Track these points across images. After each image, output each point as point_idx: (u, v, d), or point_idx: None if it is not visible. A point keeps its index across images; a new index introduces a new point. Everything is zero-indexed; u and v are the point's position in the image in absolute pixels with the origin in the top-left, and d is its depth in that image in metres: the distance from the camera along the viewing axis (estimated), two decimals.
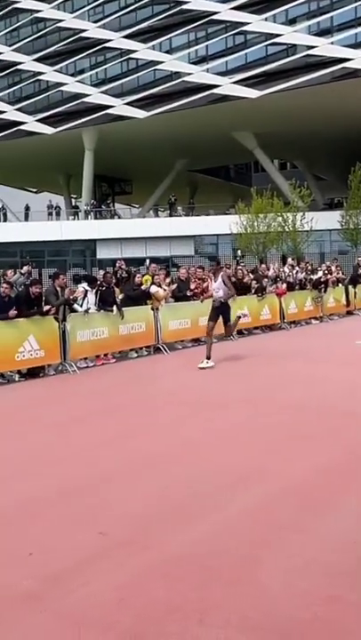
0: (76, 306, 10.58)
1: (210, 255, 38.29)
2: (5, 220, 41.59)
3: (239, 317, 11.34)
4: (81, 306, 10.65)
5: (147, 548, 3.36)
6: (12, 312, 9.23)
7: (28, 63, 40.87)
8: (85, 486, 4.43)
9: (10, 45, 41.66)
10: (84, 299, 10.73)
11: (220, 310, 9.98)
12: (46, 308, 9.86)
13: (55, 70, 40.15)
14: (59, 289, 10.34)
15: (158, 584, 2.97)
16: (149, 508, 3.94)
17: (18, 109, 41.34)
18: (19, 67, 41.25)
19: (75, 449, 5.50)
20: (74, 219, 42.73)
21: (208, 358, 9.48)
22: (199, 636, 2.55)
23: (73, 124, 38.90)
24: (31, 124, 40.64)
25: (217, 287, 10.02)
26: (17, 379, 9.69)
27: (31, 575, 3.09)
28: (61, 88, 39.93)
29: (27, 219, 42.60)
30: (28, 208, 43.31)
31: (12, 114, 41.45)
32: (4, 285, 9.80)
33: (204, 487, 4.28)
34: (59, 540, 3.51)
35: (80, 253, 40.53)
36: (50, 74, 40.32)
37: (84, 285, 11.09)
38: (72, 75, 39.89)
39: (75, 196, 49.13)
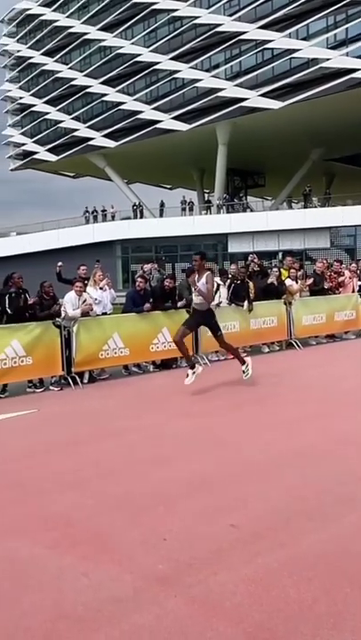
0: None
1: (347, 247, 36.81)
2: (142, 217, 43.25)
3: None
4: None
5: (280, 545, 3.34)
6: (147, 305, 9.62)
7: (165, 62, 41.97)
8: (223, 478, 4.50)
9: (148, 47, 43.10)
10: (215, 293, 10.85)
11: (201, 320, 8.05)
12: (180, 303, 10.12)
13: (190, 67, 40.83)
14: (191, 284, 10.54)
15: (290, 582, 2.95)
16: (286, 505, 3.91)
17: (154, 108, 42.69)
18: (155, 67, 42.56)
19: (213, 440, 5.60)
20: (206, 213, 43.28)
21: (192, 368, 7.90)
22: None
23: (207, 120, 39.31)
24: (167, 121, 41.75)
25: (198, 288, 7.90)
26: (151, 369, 10.09)
27: (165, 560, 3.22)
28: (196, 84, 40.51)
29: (161, 215, 43.98)
30: (162, 204, 44.68)
31: (148, 113, 42.88)
32: (140, 280, 10.22)
33: (346, 487, 4.16)
34: (192, 528, 3.61)
35: (212, 247, 40.97)
36: (185, 71, 41.09)
37: (217, 280, 11.21)
38: (207, 70, 40.31)
39: (207, 191, 49.73)
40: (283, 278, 11.93)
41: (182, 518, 3.76)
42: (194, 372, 7.86)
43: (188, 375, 7.88)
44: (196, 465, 4.86)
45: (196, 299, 7.96)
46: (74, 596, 2.90)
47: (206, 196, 49.50)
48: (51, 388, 8.78)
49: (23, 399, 8.21)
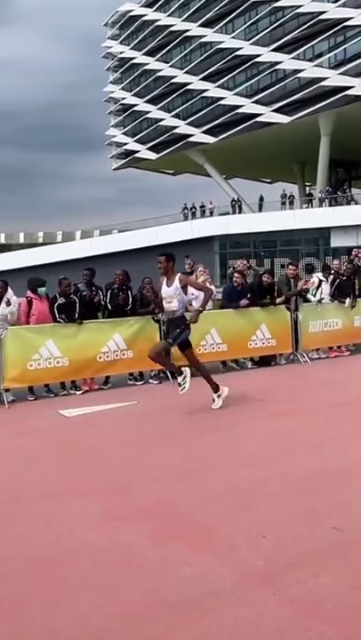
0: (309, 296, 10.52)
1: None
2: (240, 212, 43.03)
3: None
4: (314, 296, 10.56)
5: None
6: (244, 301, 9.58)
7: (266, 54, 41.42)
8: (324, 478, 4.41)
9: (248, 40, 42.71)
10: (317, 289, 10.61)
11: (175, 326, 6.78)
12: (280, 299, 9.99)
13: (292, 58, 39.98)
14: (291, 279, 10.38)
15: None
16: None
17: (254, 102, 42.27)
18: (256, 59, 42.10)
19: (313, 439, 5.52)
20: (307, 207, 42.25)
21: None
22: None
23: (310, 110, 38.35)
24: (267, 114, 41.19)
25: (169, 294, 6.69)
26: (249, 366, 10.05)
27: (265, 557, 3.21)
28: (298, 75, 39.62)
29: (260, 209, 43.50)
30: (261, 199, 44.17)
31: (248, 107, 42.53)
32: (237, 275, 10.19)
33: None
34: (293, 527, 3.57)
35: (313, 242, 39.91)
36: (287, 62, 40.29)
37: (318, 275, 10.96)
38: (309, 60, 39.28)
39: (309, 184, 48.55)
40: None
41: (283, 517, 3.73)
42: (185, 378, 6.67)
43: (179, 384, 6.69)
44: (296, 463, 4.79)
45: (167, 306, 6.76)
46: (176, 584, 2.97)
47: (308, 189, 48.34)
48: (150, 381, 9.02)
49: (124, 391, 8.50)
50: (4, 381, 7.82)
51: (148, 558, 3.26)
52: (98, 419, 6.87)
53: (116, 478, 4.67)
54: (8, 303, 8.14)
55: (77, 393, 8.37)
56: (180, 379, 6.71)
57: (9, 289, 8.27)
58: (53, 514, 3.99)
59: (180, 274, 6.77)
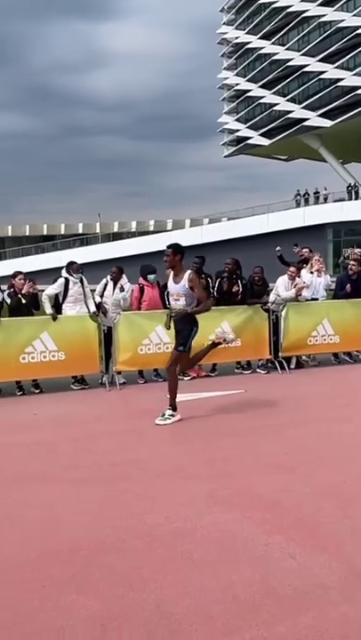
0: None
1: None
2: (357, 198, 41.22)
3: (214, 344, 6.94)
4: None
5: None
6: (348, 286, 9.24)
7: None
8: None
9: None
10: None
11: (180, 326, 6.31)
12: None
13: None
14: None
15: None
16: None
17: None
18: None
19: None
20: None
21: (173, 409, 6.19)
22: None
23: None
24: None
25: (177, 292, 6.25)
26: None
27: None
28: None
29: None
30: None
31: None
32: (352, 263, 9.80)
33: None
34: None
35: None
36: None
37: None
38: None
39: None
40: None
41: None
42: (172, 415, 6.15)
43: (163, 415, 6.16)
44: None
45: (173, 303, 6.35)
46: (280, 575, 2.96)
47: None
48: (258, 370, 8.97)
49: (231, 379, 8.53)
50: (117, 364, 8.15)
51: (253, 547, 3.27)
52: (205, 405, 6.95)
53: (222, 465, 4.72)
54: (122, 289, 8.44)
55: (185, 379, 8.51)
56: (170, 413, 6.19)
57: (123, 275, 8.57)
58: (161, 495, 4.11)
59: (189, 271, 6.32)
